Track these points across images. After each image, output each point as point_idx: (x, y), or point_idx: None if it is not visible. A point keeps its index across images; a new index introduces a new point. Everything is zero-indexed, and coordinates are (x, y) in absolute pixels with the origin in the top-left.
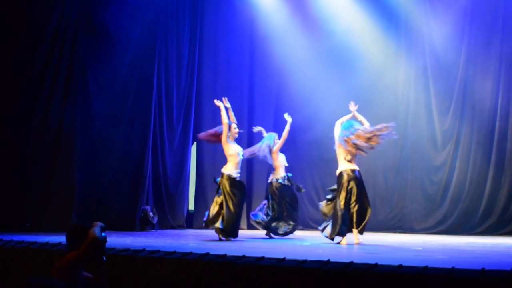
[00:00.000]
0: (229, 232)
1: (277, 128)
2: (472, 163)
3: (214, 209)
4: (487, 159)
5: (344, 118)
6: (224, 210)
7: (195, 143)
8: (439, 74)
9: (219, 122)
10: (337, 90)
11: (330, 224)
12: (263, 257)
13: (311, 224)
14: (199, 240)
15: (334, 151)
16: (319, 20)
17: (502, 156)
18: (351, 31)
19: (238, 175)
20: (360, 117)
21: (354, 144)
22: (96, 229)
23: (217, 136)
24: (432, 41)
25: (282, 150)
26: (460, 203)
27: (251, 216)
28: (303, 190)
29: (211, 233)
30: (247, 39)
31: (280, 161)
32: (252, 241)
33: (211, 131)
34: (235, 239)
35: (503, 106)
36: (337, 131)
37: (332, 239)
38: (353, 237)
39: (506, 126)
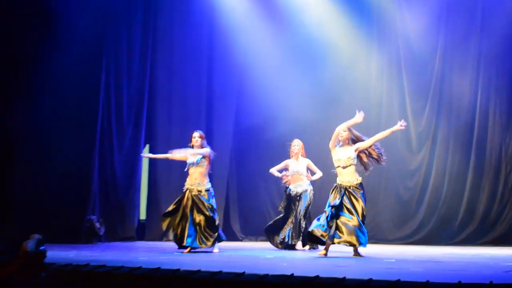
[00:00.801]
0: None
1: (238, 127)
2: (450, 166)
3: None
4: (465, 162)
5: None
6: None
7: (147, 145)
8: (413, 71)
9: (174, 121)
10: (303, 86)
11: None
12: (220, 272)
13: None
14: (150, 253)
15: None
16: (284, 10)
17: (482, 158)
18: (319, 22)
19: (189, 186)
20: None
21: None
22: (30, 243)
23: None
24: (406, 35)
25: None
26: (437, 210)
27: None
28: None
29: (164, 245)
30: (206, 29)
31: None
32: (210, 254)
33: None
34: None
35: (482, 105)
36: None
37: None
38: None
39: (485, 126)
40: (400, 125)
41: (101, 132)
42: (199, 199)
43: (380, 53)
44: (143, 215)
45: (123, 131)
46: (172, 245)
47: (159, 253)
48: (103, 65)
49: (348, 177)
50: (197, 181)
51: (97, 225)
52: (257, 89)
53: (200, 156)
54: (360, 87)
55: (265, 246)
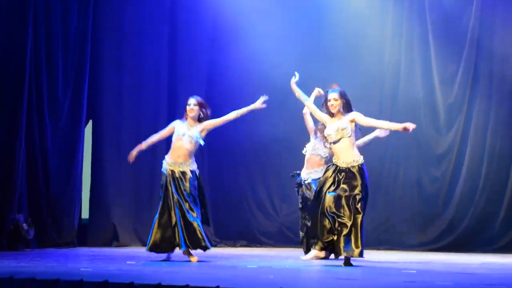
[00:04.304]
0: None
1: (210, 97)
2: (489, 150)
3: None
4: (509, 145)
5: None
6: None
7: (90, 121)
8: (442, 24)
9: (126, 90)
10: (297, 50)
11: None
12: (187, 286)
13: (261, 239)
14: (95, 262)
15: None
16: None
17: None
18: None
19: (166, 166)
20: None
21: None
22: None
23: None
24: None
25: None
26: (471, 207)
27: None
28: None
29: (113, 252)
30: None
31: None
32: (174, 264)
33: None
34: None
35: None
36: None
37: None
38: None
39: None
40: (404, 127)
41: (28, 106)
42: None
43: (399, 5)
44: (85, 214)
45: (58, 103)
46: (124, 252)
47: (106, 262)
48: (29, 18)
49: (341, 154)
50: (171, 159)
51: (25, 226)
52: (237, 55)
53: (198, 136)
54: (373, 49)
55: (245, 252)
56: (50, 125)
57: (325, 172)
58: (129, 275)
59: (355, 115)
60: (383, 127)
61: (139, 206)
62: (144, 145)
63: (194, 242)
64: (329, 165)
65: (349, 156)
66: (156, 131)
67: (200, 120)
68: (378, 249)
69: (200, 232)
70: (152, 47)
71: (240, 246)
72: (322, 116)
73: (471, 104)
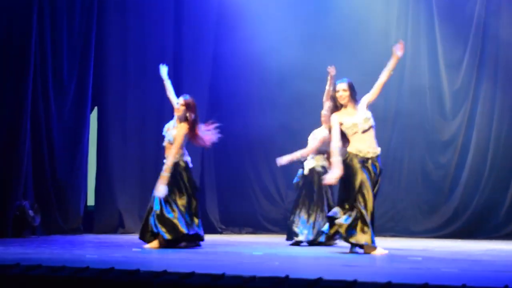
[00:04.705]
0: None
1: (216, 81)
2: (495, 137)
3: None
4: None
5: None
6: None
7: (95, 108)
8: (448, 9)
9: (131, 75)
10: (302, 33)
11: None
12: (192, 273)
13: (266, 226)
14: (101, 249)
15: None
16: None
17: None
18: None
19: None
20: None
21: None
22: None
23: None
24: None
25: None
26: (477, 194)
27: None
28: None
29: (119, 239)
30: None
31: None
32: (181, 251)
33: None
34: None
35: None
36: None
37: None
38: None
39: None
40: (399, 50)
41: (33, 91)
42: None
43: None
44: (91, 201)
45: (63, 89)
46: (129, 238)
47: (112, 249)
48: (34, 3)
49: (368, 144)
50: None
51: (30, 213)
52: (240, 45)
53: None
54: (379, 34)
55: (251, 239)
56: (56, 112)
57: (353, 165)
58: (134, 262)
59: (365, 98)
60: (387, 77)
61: (145, 193)
62: (166, 80)
63: (170, 231)
64: (355, 157)
65: (372, 145)
66: (161, 117)
67: (186, 120)
68: (384, 236)
69: (175, 222)
70: (158, 33)
71: (246, 233)
72: (336, 126)
73: (477, 90)
